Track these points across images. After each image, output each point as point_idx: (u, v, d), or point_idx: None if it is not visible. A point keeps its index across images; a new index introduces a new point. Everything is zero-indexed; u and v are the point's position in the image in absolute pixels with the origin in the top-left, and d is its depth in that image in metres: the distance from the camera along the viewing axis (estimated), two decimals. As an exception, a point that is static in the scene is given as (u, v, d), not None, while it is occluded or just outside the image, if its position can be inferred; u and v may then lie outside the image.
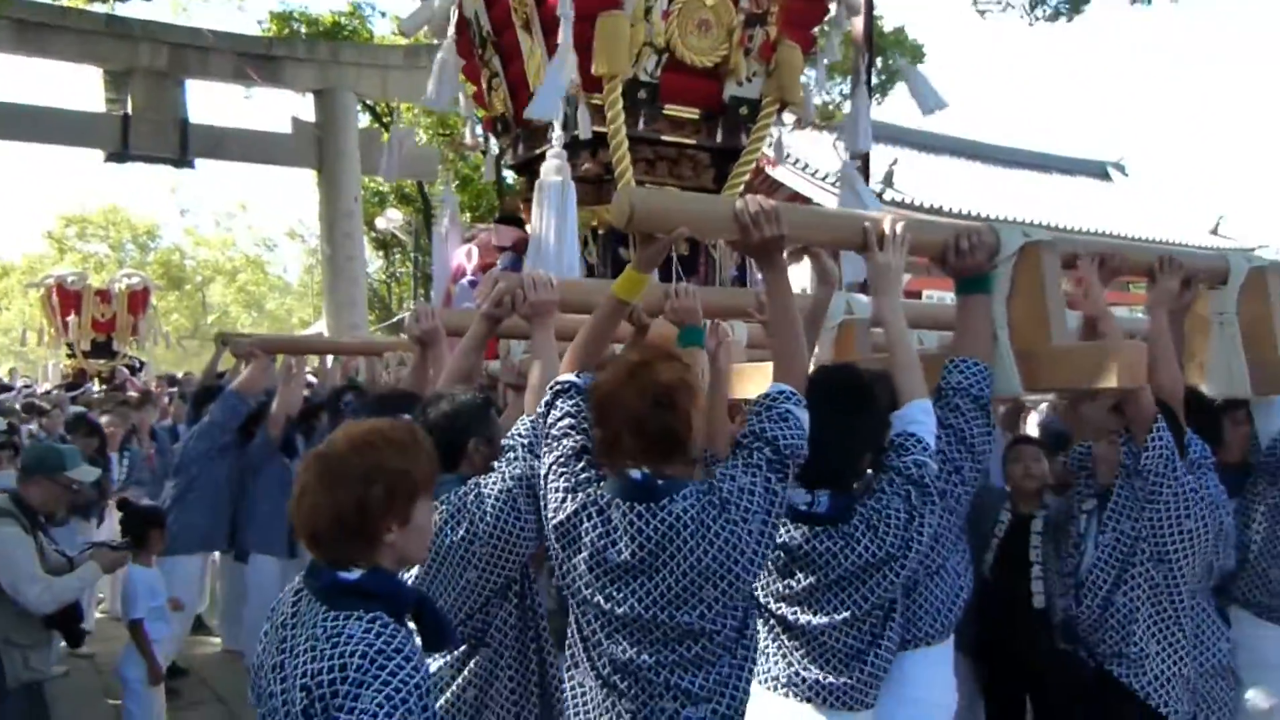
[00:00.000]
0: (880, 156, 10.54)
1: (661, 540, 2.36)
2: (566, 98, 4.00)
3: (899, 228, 2.78)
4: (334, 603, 1.97)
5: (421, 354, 3.72)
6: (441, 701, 2.81)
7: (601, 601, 2.44)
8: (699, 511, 2.35)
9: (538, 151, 3.91)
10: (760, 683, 2.75)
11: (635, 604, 2.40)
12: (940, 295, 21.87)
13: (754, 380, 3.22)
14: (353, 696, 1.85)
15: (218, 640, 7.58)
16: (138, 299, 17.98)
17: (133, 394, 11.93)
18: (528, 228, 4.05)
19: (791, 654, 2.73)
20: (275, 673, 2.03)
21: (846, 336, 3.61)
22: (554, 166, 3.69)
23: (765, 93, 4.35)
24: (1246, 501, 3.49)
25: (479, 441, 2.97)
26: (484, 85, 4.56)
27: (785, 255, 2.63)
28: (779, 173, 16.64)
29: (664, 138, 4.24)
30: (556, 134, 3.72)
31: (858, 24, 5.90)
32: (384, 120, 28.38)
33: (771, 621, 2.77)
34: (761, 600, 2.74)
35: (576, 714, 2.58)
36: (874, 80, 16.47)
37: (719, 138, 4.37)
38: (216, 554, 7.14)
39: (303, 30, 24.84)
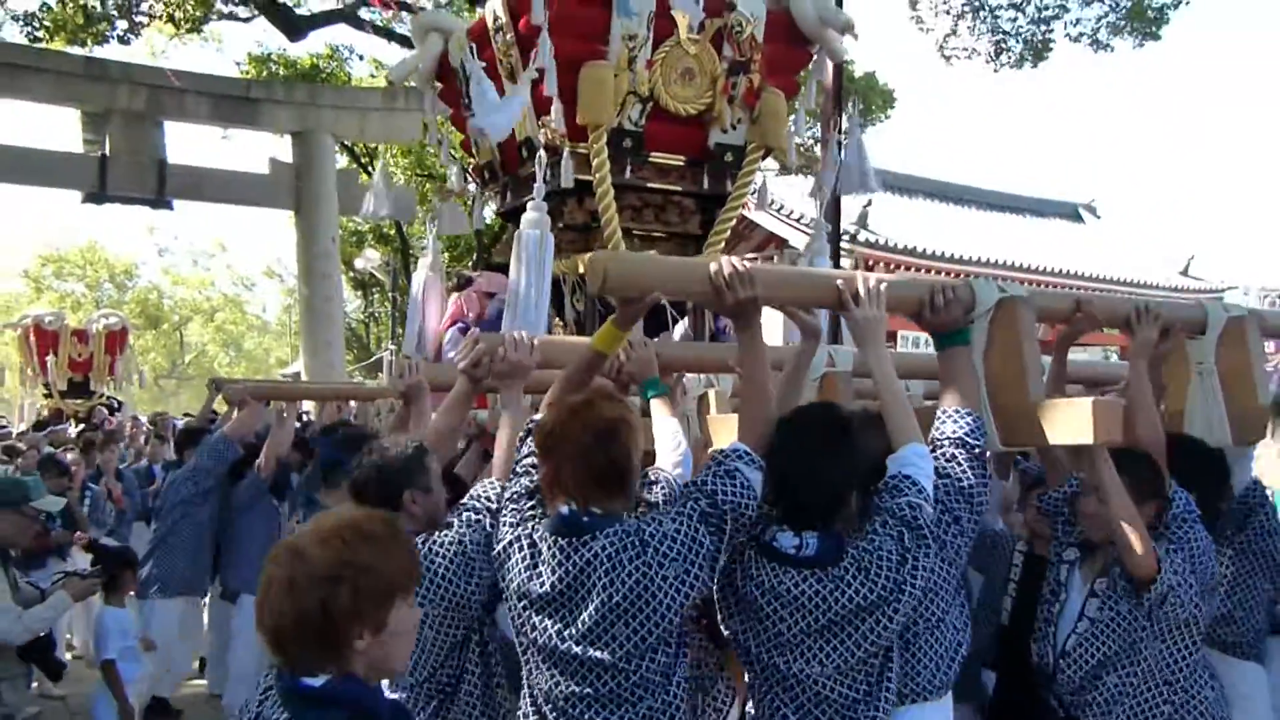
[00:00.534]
0: (854, 198, 10.68)
1: (579, 575, 2.43)
2: (552, 147, 4.05)
3: (874, 284, 2.79)
4: (297, 710, 1.81)
5: (405, 408, 3.74)
6: None
7: (529, 631, 2.54)
8: (617, 550, 2.41)
9: (525, 199, 3.95)
10: None
11: (554, 636, 2.47)
12: (915, 335, 22.07)
13: (727, 431, 3.21)
14: None
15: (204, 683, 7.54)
16: (115, 339, 17.94)
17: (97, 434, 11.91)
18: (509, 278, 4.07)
19: (785, 707, 2.62)
20: None
21: (829, 388, 3.58)
22: (533, 219, 3.72)
23: (749, 139, 4.41)
24: (1216, 546, 3.38)
25: (414, 493, 2.98)
26: (471, 135, 4.60)
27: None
28: (755, 214, 16.82)
29: (650, 184, 4.29)
30: (539, 186, 3.76)
31: (829, 69, 5.95)
32: (362, 161, 28.51)
33: (762, 674, 2.67)
34: (753, 650, 2.66)
35: None
36: (845, 124, 16.78)
37: (705, 184, 4.42)
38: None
39: (281, 72, 24.98)
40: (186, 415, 16.96)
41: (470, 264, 24.58)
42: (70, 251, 48.01)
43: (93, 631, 5.49)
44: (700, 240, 4.40)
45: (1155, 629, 2.95)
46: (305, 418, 8.26)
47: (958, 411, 2.76)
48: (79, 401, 17.19)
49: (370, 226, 30.13)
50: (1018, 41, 18.17)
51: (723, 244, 4.43)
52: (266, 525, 6.16)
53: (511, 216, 4.68)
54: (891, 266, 19.71)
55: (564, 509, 2.50)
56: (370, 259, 27.31)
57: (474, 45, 4.33)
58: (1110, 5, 17.38)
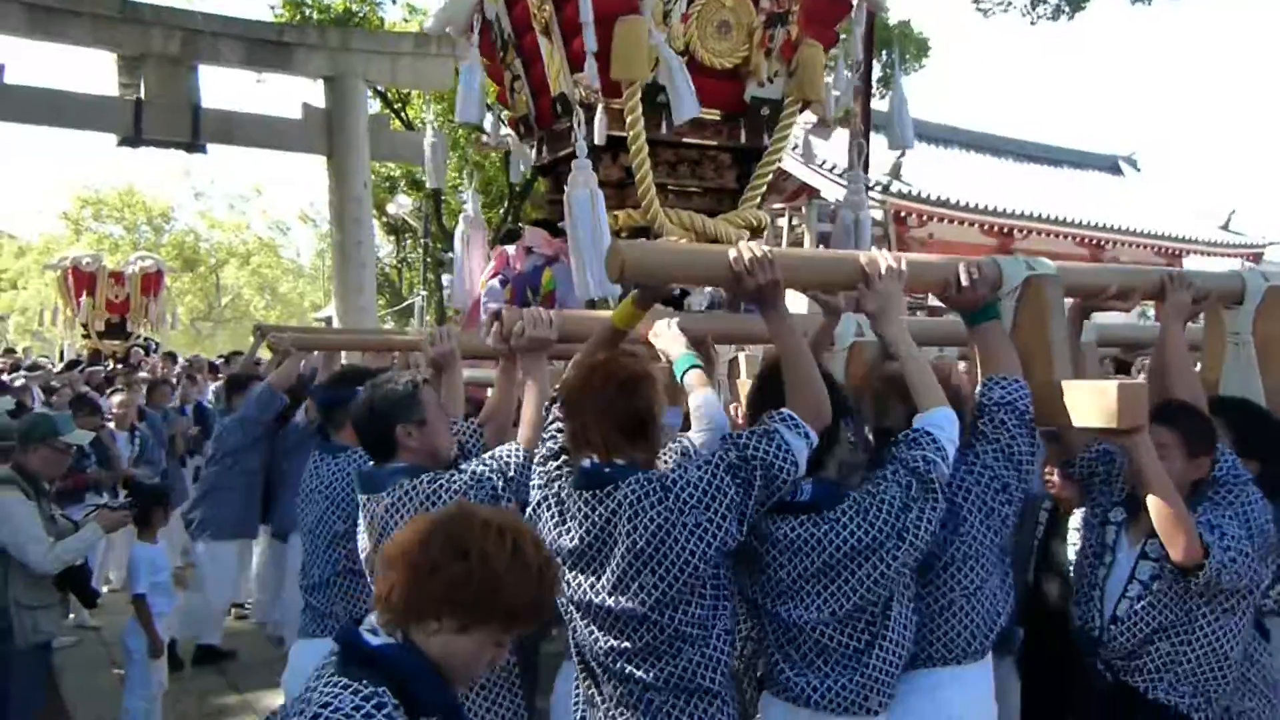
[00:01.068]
0: (887, 149, 10.59)
1: (605, 525, 2.46)
2: (586, 104, 4.01)
3: (893, 262, 2.81)
4: (342, 665, 1.69)
5: (435, 375, 3.67)
6: None
7: (565, 589, 2.56)
8: (639, 496, 2.42)
9: (561, 154, 3.93)
10: (766, 689, 2.75)
11: (587, 590, 2.50)
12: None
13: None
14: None
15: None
16: (151, 281, 18.16)
17: (144, 375, 12.14)
18: (565, 238, 4.06)
19: (790, 655, 2.65)
20: None
21: (857, 357, 3.56)
22: (579, 179, 3.68)
23: (787, 92, 4.32)
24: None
25: (408, 426, 2.96)
26: (507, 87, 4.57)
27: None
28: (787, 164, 16.68)
29: (685, 140, 4.24)
30: (580, 144, 3.73)
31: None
32: (394, 106, 28.48)
33: (769, 625, 2.70)
34: (758, 601, 2.69)
35: (575, 699, 2.70)
36: (878, 73, 16.54)
37: (741, 138, 4.35)
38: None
39: (314, 16, 24.95)
40: (221, 357, 17.23)
41: (502, 213, 24.62)
42: (108, 194, 48.42)
43: (126, 566, 5.68)
44: (736, 195, 4.35)
45: (1210, 596, 2.90)
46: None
47: (1004, 379, 2.77)
48: (116, 342, 17.46)
49: (402, 172, 30.18)
50: (1054, -7, 17.78)
51: (759, 199, 4.40)
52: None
53: (547, 171, 4.66)
54: (924, 218, 19.52)
55: (586, 463, 2.54)
56: (402, 204, 27.37)
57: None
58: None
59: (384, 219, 30.18)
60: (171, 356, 16.10)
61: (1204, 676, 2.96)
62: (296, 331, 6.95)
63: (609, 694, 2.54)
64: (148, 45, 17.42)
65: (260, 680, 6.49)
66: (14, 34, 16.83)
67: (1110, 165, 27.46)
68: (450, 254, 30.93)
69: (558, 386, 2.81)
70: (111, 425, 8.17)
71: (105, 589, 8.00)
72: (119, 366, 14.83)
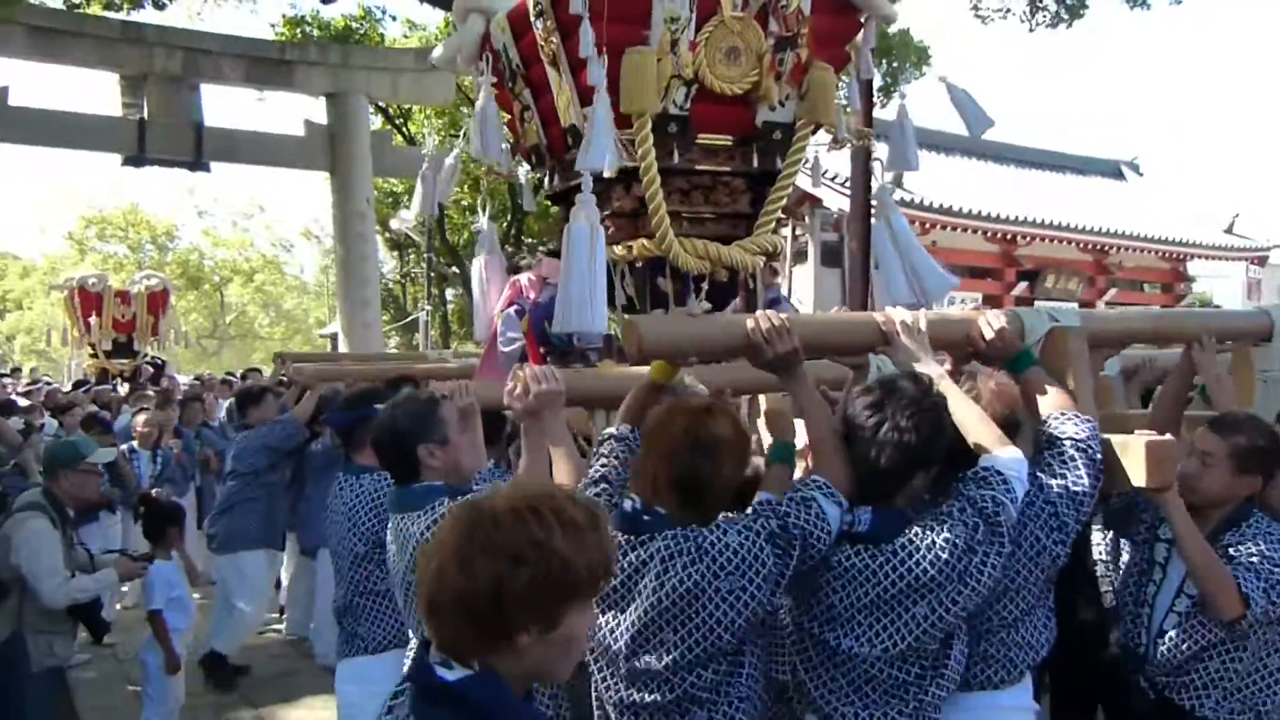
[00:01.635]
0: (884, 155, 10.66)
1: (633, 574, 2.41)
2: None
3: (910, 321, 2.79)
4: (422, 708, 1.57)
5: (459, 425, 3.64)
6: None
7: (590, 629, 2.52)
8: (672, 553, 2.35)
9: (574, 183, 3.90)
10: (807, 714, 2.68)
11: (606, 635, 2.45)
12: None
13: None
14: None
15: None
16: (157, 299, 18.17)
17: (159, 390, 12.17)
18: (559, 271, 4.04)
19: (836, 681, 2.56)
20: None
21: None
22: (581, 214, 3.63)
23: (799, 115, 4.25)
24: None
25: (429, 446, 2.90)
26: (517, 116, 4.54)
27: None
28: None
29: (698, 167, 4.20)
30: (586, 178, 3.69)
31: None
32: (396, 122, 28.57)
33: (814, 649, 2.59)
34: (805, 625, 2.61)
35: None
36: (879, 82, 16.58)
37: (754, 163, 4.29)
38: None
39: (315, 34, 25.04)
40: (228, 375, 17.26)
41: (505, 226, 24.65)
42: (112, 213, 48.60)
43: (141, 583, 5.71)
44: (751, 219, 4.31)
45: (1263, 619, 2.88)
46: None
47: (1078, 416, 2.72)
48: (123, 361, 17.45)
49: (405, 187, 30.23)
50: (1053, 0, 17.81)
51: (774, 223, 4.36)
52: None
53: (558, 200, 4.64)
54: (927, 226, 19.49)
55: (627, 504, 2.49)
56: (405, 219, 27.40)
57: (515, 29, 4.27)
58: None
59: (387, 235, 30.25)
60: (171, 378, 16.12)
61: (1253, 691, 2.93)
62: (318, 363, 7.06)
63: None
64: (150, 65, 17.53)
65: (275, 695, 6.54)
66: (16, 56, 16.96)
67: (1113, 170, 27.43)
68: (453, 269, 30.97)
69: (609, 430, 2.79)
70: (135, 444, 8.23)
71: (119, 606, 8.02)
72: (129, 385, 14.83)
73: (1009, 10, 18.02)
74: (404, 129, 29.02)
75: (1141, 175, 27.72)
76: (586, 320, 3.45)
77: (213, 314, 52.98)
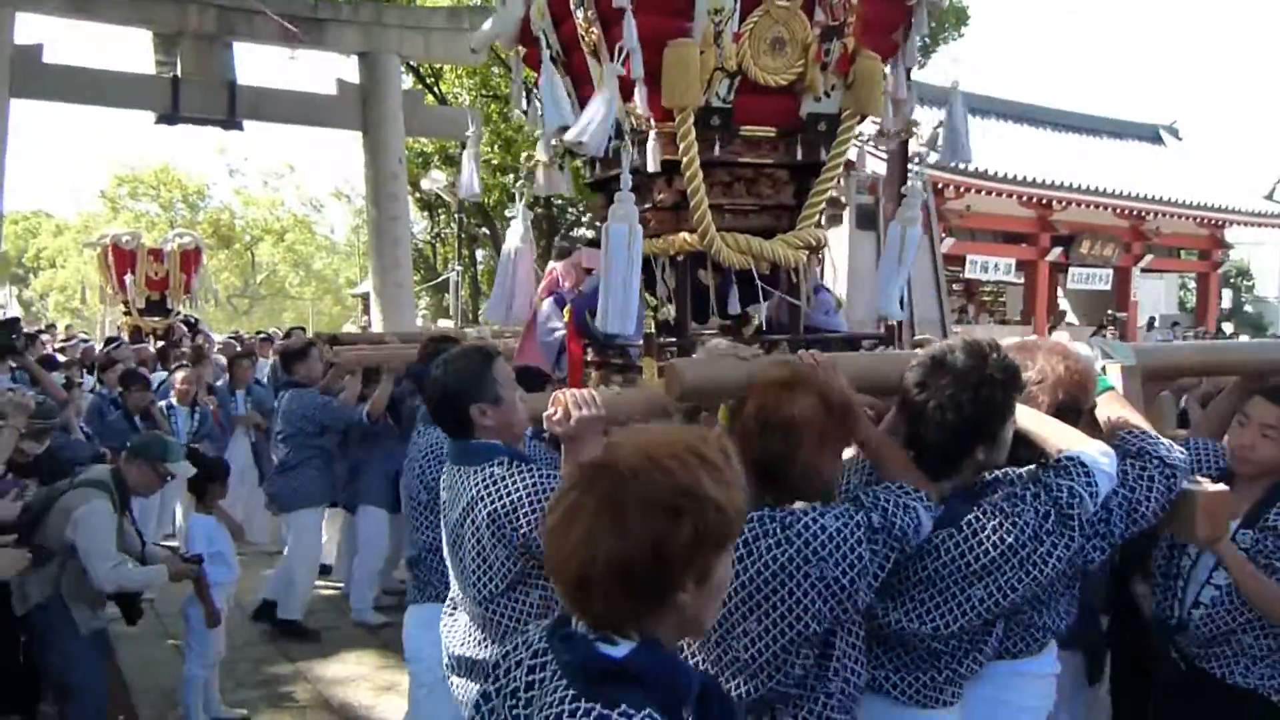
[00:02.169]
0: (924, 119, 10.42)
1: None
2: (637, 131, 3.91)
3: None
4: (587, 689, 1.42)
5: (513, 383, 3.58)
6: None
7: None
8: (756, 534, 2.24)
9: (614, 172, 3.83)
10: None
11: None
12: (984, 259, 21.68)
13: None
14: None
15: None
16: (190, 258, 18.29)
17: (193, 347, 12.28)
18: (596, 271, 4.00)
19: (871, 646, 2.52)
20: None
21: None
22: (620, 213, 3.56)
23: (844, 106, 4.15)
24: None
25: (482, 406, 2.85)
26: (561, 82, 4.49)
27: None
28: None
29: (741, 159, 4.12)
30: (624, 176, 3.63)
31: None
32: (427, 82, 28.47)
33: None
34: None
35: None
36: (918, 43, 16.27)
37: (798, 154, 4.19)
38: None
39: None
40: (262, 333, 17.38)
41: (544, 229, 24.60)
42: (144, 172, 48.84)
43: (183, 537, 5.82)
44: (795, 211, 4.24)
45: None
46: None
47: (1174, 445, 2.63)
48: (156, 319, 17.61)
49: (436, 147, 30.18)
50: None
51: (818, 216, 4.28)
52: (387, 444, 6.77)
53: (600, 188, 4.58)
54: (962, 190, 19.30)
55: None
56: (436, 180, 27.38)
57: (555, 16, 4.19)
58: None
59: (418, 195, 30.23)
60: (194, 330, 16.28)
61: None
62: (359, 349, 7.19)
63: None
64: (183, 23, 17.54)
65: (313, 650, 6.64)
66: (51, 13, 16.97)
67: (1151, 135, 27.00)
68: (484, 229, 30.94)
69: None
70: (173, 400, 8.33)
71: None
72: (163, 343, 14.95)
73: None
74: (435, 89, 28.93)
75: (1180, 140, 27.28)
76: (621, 325, 3.42)
77: (244, 273, 53.30)
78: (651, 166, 3.68)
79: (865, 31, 4.09)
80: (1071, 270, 22.97)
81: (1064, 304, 25.14)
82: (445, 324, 21.55)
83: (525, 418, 3.00)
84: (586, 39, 3.95)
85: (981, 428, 2.46)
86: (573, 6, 3.92)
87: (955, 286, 24.49)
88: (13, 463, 5.45)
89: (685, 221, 3.95)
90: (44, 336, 14.46)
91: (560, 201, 26.93)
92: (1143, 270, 24.47)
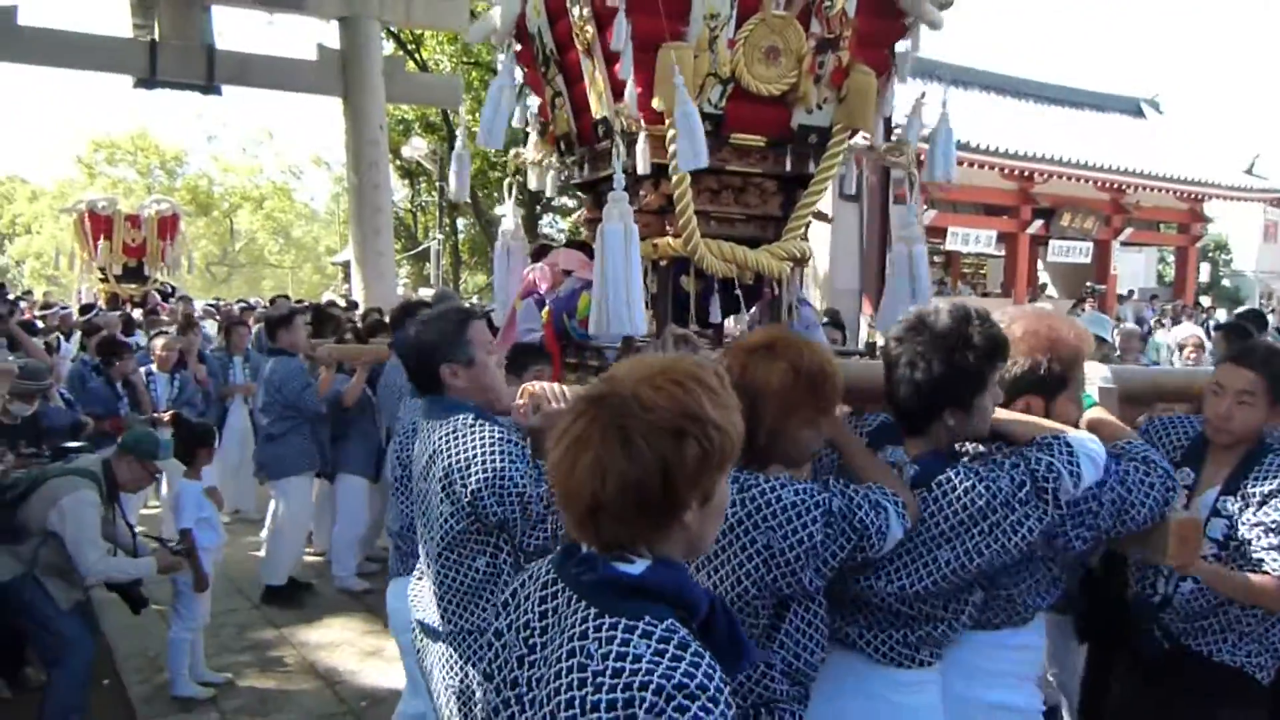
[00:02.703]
0: (907, 90, 10.41)
1: None
2: (627, 132, 3.91)
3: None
4: (609, 604, 1.47)
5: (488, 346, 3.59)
6: None
7: None
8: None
9: (603, 173, 3.80)
10: None
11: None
12: (966, 231, 21.74)
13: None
14: None
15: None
16: (167, 224, 18.12)
17: (165, 318, 12.21)
18: (592, 271, 3.98)
19: (842, 604, 2.53)
20: (515, 691, 1.59)
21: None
22: (614, 213, 3.53)
23: (836, 120, 4.11)
24: None
25: (453, 366, 2.85)
26: (548, 101, 4.43)
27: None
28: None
29: (729, 167, 4.11)
30: (617, 176, 3.60)
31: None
32: (408, 48, 28.23)
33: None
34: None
35: None
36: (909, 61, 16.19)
37: (787, 165, 4.18)
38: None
39: (328, -45, 24.61)
40: (240, 302, 17.28)
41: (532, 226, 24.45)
42: (121, 138, 48.32)
43: (171, 502, 5.85)
44: (781, 222, 4.22)
45: None
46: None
47: (1150, 421, 2.68)
48: (133, 286, 17.48)
49: (417, 115, 29.97)
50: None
51: (804, 228, 4.27)
52: (366, 414, 7.06)
53: (588, 189, 4.56)
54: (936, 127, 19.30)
55: None
56: (417, 148, 27.22)
57: (550, 13, 4.16)
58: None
59: (399, 162, 30.04)
60: (186, 300, 16.17)
61: (1272, 631, 2.92)
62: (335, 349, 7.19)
63: None
64: (161, -15, 17.27)
65: (296, 616, 6.68)
66: (27, -26, 16.69)
67: (1132, 108, 27.04)
68: (466, 201, 30.87)
69: None
70: (154, 367, 8.29)
71: (140, 528, 8.13)
72: (140, 310, 14.85)
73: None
74: (416, 55, 28.69)
75: (1161, 114, 27.35)
76: (626, 324, 3.39)
77: (222, 241, 52.92)
78: (642, 169, 3.67)
79: (860, 46, 4.05)
80: (1052, 243, 23.07)
81: (1044, 276, 25.26)
82: (426, 293, 21.47)
83: (500, 382, 2.97)
84: (580, 38, 3.92)
85: (949, 390, 2.44)
86: (568, 4, 3.89)
87: (936, 259, 24.58)
88: (0, 425, 5.46)
89: (670, 226, 3.95)
90: (21, 304, 14.35)
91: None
92: (1122, 243, 24.60)
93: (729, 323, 4.24)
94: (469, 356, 2.87)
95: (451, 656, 2.80)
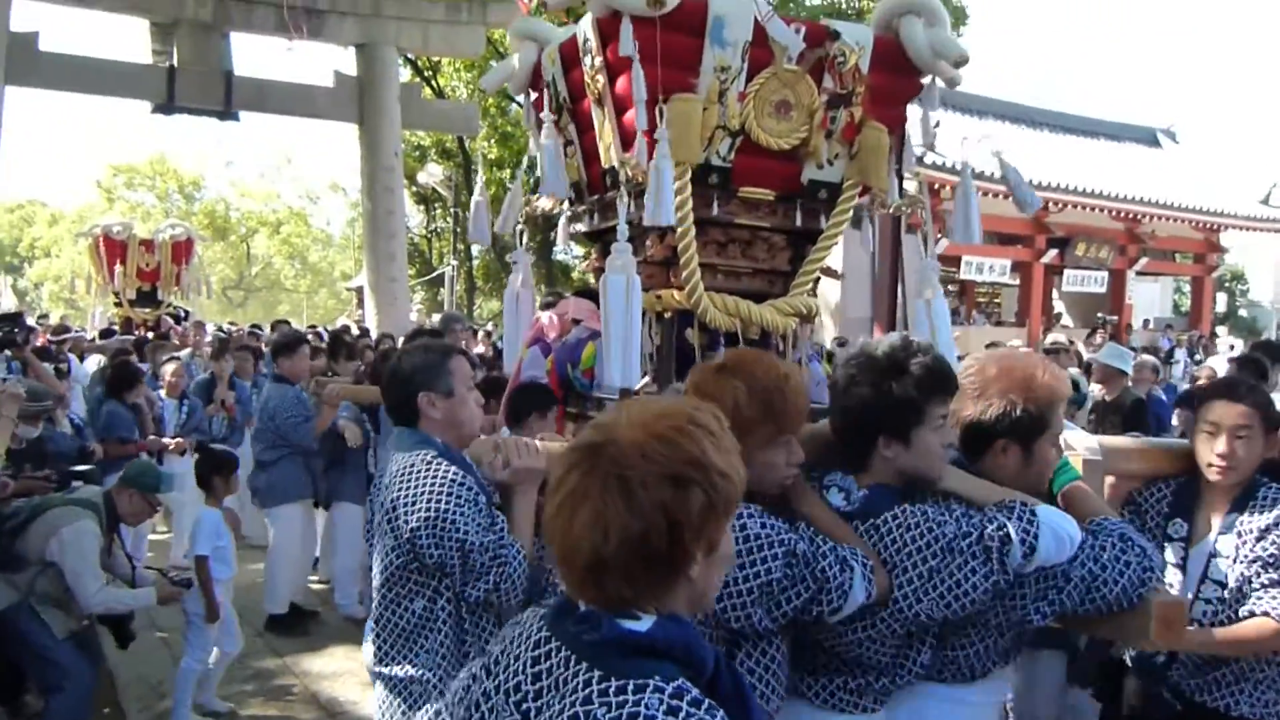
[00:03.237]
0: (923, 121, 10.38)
1: None
2: (634, 182, 3.90)
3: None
4: (614, 666, 1.38)
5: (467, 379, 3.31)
6: None
7: None
8: None
9: (612, 223, 3.78)
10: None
11: None
12: (980, 260, 21.67)
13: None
14: None
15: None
16: (181, 249, 18.18)
17: (175, 342, 12.21)
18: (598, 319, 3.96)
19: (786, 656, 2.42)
20: None
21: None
22: (617, 264, 3.51)
23: (847, 176, 4.07)
24: None
25: (431, 396, 2.82)
26: (560, 149, 4.45)
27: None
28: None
29: (737, 220, 4.07)
30: (621, 227, 3.59)
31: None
32: (425, 75, 28.43)
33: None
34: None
35: None
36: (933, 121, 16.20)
37: (797, 220, 4.14)
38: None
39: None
40: (254, 328, 17.33)
41: (539, 281, 24.60)
42: (140, 163, 48.78)
43: (190, 529, 5.83)
44: (789, 277, 4.18)
45: None
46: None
47: (1150, 548, 2.42)
48: (147, 310, 17.52)
49: (432, 141, 30.14)
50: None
51: (811, 284, 4.22)
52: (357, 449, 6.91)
53: (597, 238, 4.54)
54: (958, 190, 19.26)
55: None
56: (433, 174, 27.37)
57: (565, 62, 4.17)
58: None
59: (414, 188, 30.20)
60: (200, 325, 16.21)
61: None
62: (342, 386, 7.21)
63: None
64: (181, 12, 17.50)
65: (300, 644, 6.63)
66: (48, 1, 16.90)
67: (1149, 137, 27.01)
68: (486, 244, 31.10)
69: None
70: (162, 393, 8.26)
71: (149, 554, 8.11)
72: (152, 335, 14.89)
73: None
74: (433, 82, 28.88)
75: (1178, 143, 27.30)
76: (620, 378, 3.37)
77: (239, 265, 53.26)
78: (648, 221, 3.64)
79: (874, 102, 4.01)
80: (1067, 272, 22.99)
81: (1059, 306, 25.16)
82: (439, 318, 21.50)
83: (477, 419, 2.94)
84: (592, 88, 3.91)
85: (881, 417, 2.35)
86: (581, 54, 3.89)
87: (950, 287, 24.52)
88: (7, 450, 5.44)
89: (676, 277, 3.91)
90: (37, 328, 14.42)
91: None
92: (1138, 273, 24.49)
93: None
94: (449, 388, 2.84)
95: (389, 701, 2.72)
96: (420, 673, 2.66)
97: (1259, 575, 2.78)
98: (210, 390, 8.56)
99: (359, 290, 28.17)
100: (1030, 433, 2.46)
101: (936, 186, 18.44)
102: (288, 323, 15.89)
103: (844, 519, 2.36)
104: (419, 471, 2.65)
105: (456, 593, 2.63)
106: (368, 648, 2.81)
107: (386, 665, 2.72)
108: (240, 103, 18.32)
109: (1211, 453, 2.89)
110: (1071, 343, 11.96)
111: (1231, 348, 19.77)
